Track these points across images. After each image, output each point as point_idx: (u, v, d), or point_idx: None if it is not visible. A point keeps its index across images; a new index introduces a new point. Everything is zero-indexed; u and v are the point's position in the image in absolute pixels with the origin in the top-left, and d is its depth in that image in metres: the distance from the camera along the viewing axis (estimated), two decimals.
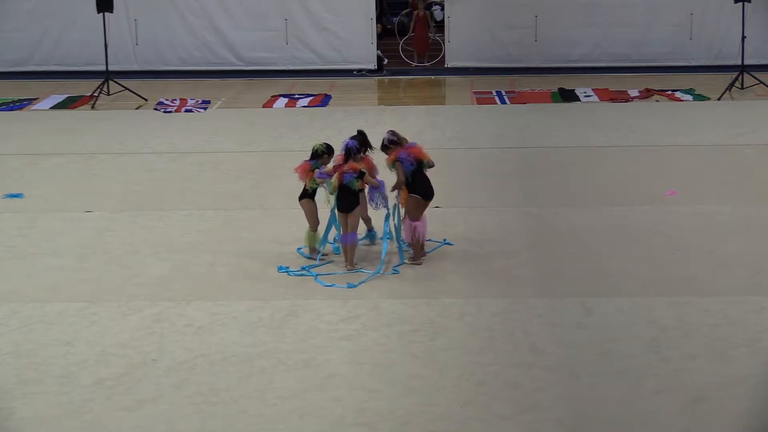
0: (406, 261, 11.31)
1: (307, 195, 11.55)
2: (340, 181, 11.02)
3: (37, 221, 12.95)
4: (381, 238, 11.53)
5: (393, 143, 11.25)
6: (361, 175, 11.04)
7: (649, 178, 14.25)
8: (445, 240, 11.87)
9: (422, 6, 22.87)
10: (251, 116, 18.54)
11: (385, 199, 11.43)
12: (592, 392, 8.63)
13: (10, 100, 19.83)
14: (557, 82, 20.51)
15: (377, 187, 11.32)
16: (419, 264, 11.29)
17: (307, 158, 11.54)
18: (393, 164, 11.21)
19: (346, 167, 11.05)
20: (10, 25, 22.07)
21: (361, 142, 11.33)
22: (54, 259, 11.73)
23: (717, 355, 9.18)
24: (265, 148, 16.34)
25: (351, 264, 11.18)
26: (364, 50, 22.12)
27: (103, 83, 19.81)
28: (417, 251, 11.33)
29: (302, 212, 11.60)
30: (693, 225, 12.38)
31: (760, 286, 10.64)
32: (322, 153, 11.47)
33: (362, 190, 11.21)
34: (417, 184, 11.24)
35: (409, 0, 23.24)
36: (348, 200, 11.08)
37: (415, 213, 11.26)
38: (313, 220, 11.56)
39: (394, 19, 24.28)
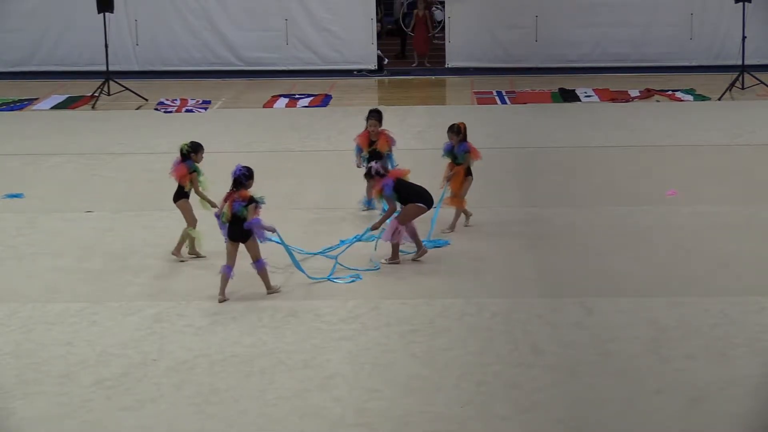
0: (383, 261, 11.40)
1: (183, 195, 11.62)
2: (231, 209, 10.59)
3: (37, 221, 12.95)
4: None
5: (378, 174, 11.45)
6: (250, 202, 10.59)
7: (649, 178, 14.25)
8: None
9: (422, 6, 22.87)
10: (251, 116, 18.54)
11: (261, 232, 10.73)
12: (592, 392, 8.62)
13: (10, 100, 19.83)
14: (557, 82, 20.51)
15: (253, 221, 10.64)
16: (398, 263, 11.39)
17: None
18: (381, 196, 11.48)
19: (236, 195, 10.60)
20: (10, 25, 22.07)
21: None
22: (54, 259, 11.73)
23: (717, 355, 9.18)
24: (265, 148, 16.33)
25: (269, 288, 10.70)
26: (364, 50, 22.11)
27: (103, 83, 19.81)
28: (395, 252, 11.45)
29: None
30: (693, 225, 12.38)
31: (760, 286, 10.64)
32: (188, 152, 11.56)
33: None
34: (413, 195, 11.41)
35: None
36: (240, 229, 10.61)
37: (408, 218, 11.38)
38: (191, 219, 11.63)
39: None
